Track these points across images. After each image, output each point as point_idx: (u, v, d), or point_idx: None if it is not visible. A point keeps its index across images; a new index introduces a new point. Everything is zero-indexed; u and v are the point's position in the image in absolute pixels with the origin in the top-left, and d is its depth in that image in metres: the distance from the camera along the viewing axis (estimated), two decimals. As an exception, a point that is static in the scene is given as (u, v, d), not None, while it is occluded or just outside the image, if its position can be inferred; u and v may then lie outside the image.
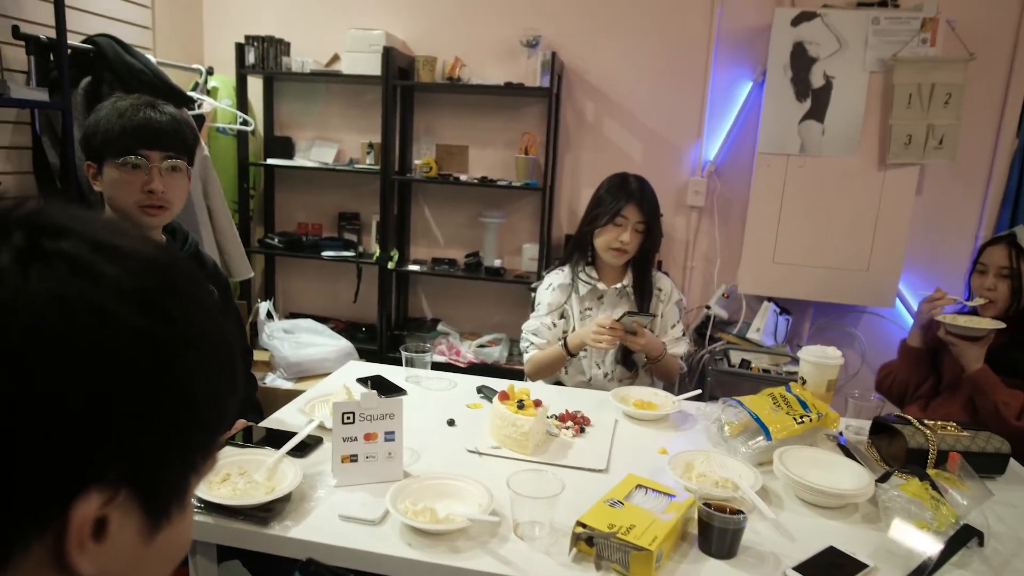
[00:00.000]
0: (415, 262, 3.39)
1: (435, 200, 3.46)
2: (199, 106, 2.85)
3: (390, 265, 3.26)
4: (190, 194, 2.47)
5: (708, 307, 3.16)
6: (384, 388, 1.78)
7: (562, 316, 2.12)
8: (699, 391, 1.84)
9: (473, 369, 3.10)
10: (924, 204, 2.98)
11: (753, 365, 2.95)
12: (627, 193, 2.00)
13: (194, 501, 1.14)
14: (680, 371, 2.14)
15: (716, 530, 1.11)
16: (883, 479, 1.36)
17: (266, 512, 1.13)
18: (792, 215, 2.95)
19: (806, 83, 2.81)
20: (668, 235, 3.23)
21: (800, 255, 2.98)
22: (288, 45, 3.28)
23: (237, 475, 1.22)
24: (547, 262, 3.10)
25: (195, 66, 3.16)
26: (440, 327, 3.43)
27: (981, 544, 1.18)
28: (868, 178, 2.86)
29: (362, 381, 1.82)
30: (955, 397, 2.05)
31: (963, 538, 1.16)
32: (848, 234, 2.91)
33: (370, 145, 3.28)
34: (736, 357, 2.99)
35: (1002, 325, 1.88)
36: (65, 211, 0.42)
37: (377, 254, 3.26)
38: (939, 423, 1.56)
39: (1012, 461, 1.58)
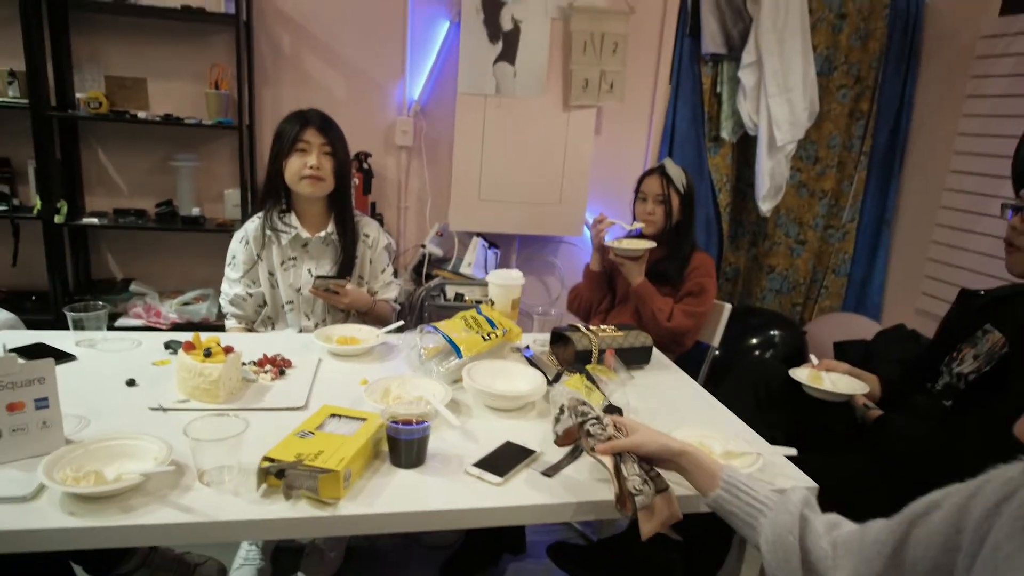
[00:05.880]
0: (93, 214, 2.93)
1: (111, 142, 3.01)
2: None
3: (58, 219, 2.78)
4: None
5: (423, 246, 3.27)
6: (40, 354, 1.54)
7: (255, 281, 2.06)
8: (402, 323, 1.91)
9: (179, 329, 2.83)
10: (602, 142, 3.39)
11: (467, 297, 3.14)
12: (304, 119, 1.97)
13: None
14: (394, 312, 2.19)
15: (402, 443, 1.18)
16: (555, 379, 1.56)
17: None
18: (493, 154, 3.14)
19: (497, 26, 2.97)
20: (380, 175, 3.24)
21: (502, 192, 3.20)
22: None
23: None
24: (252, 208, 2.91)
25: None
26: (133, 287, 3.05)
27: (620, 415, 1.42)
28: (555, 118, 3.15)
29: (19, 351, 1.56)
30: (626, 308, 2.40)
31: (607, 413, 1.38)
32: (542, 171, 3.20)
33: (11, 73, 2.71)
34: (451, 291, 3.15)
35: (653, 244, 2.23)
36: None
37: (39, 207, 2.76)
38: (600, 327, 1.82)
39: (656, 352, 1.92)
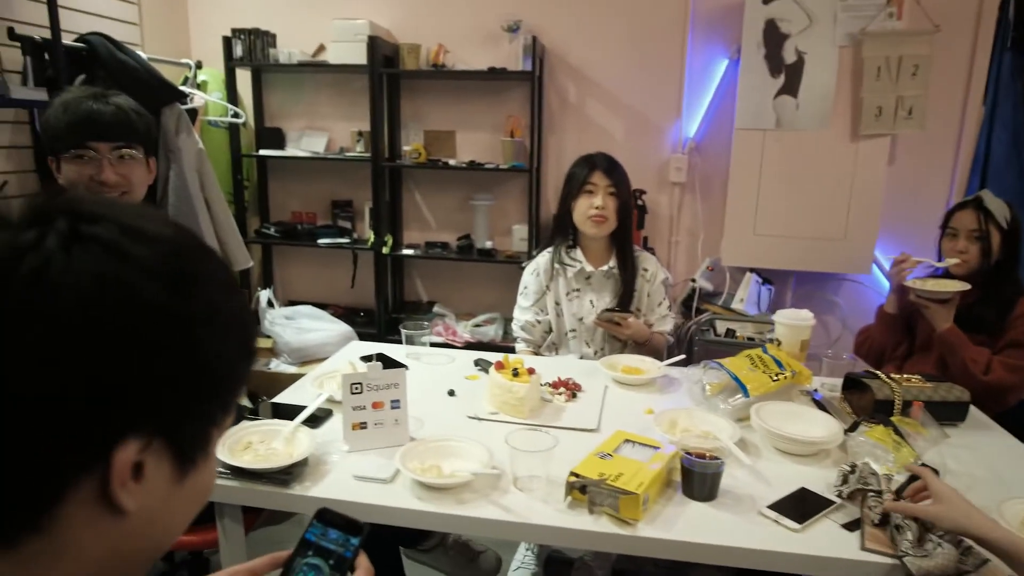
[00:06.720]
0: (409, 246, 3.49)
1: (425, 185, 3.55)
2: (191, 100, 2.91)
3: (385, 250, 3.35)
4: (188, 187, 2.54)
5: (694, 280, 3.28)
6: (386, 363, 1.88)
7: (543, 309, 2.25)
8: (683, 356, 1.95)
9: (470, 348, 3.20)
10: (896, 173, 3.09)
11: (738, 334, 3.07)
12: (591, 163, 2.12)
13: (220, 468, 1.25)
14: (667, 344, 2.25)
15: (696, 475, 1.23)
16: (852, 428, 1.47)
17: (287, 475, 1.24)
18: (771, 188, 3.05)
19: (779, 59, 2.91)
20: (653, 211, 3.33)
21: (780, 226, 3.09)
22: (274, 37, 3.34)
23: (258, 443, 1.32)
24: (537, 242, 3.20)
25: (184, 60, 3.22)
26: (436, 309, 3.53)
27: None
28: (842, 150, 2.96)
29: (365, 359, 1.92)
30: (928, 357, 2.16)
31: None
32: (825, 205, 3.02)
33: (359, 133, 3.36)
34: (722, 327, 3.11)
35: (967, 286, 1.98)
36: (96, 200, 0.48)
37: (372, 240, 3.35)
38: (904, 376, 1.68)
39: (973, 408, 1.70)
